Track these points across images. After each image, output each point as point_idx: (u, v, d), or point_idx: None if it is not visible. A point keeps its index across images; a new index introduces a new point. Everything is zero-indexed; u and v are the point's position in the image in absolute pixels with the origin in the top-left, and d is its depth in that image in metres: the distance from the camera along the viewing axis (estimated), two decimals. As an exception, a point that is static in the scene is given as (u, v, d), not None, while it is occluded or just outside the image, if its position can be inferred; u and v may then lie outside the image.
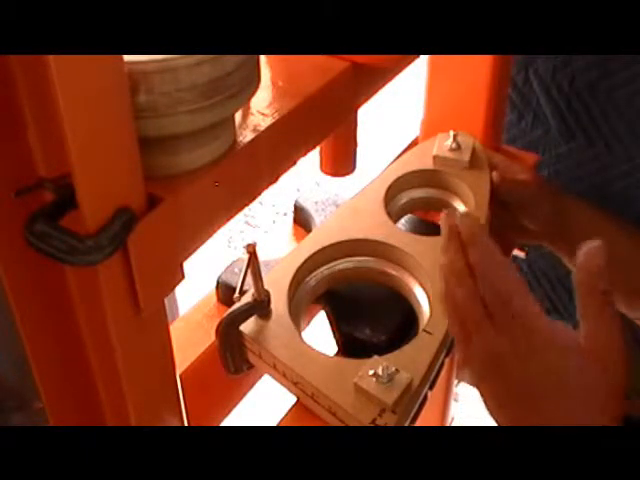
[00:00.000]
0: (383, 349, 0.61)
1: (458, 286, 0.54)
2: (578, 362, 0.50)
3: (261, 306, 0.63)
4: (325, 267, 0.71)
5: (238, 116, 0.54)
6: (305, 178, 2.00)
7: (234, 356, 0.64)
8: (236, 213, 0.55)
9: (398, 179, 0.79)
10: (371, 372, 0.58)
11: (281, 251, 0.76)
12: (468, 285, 0.54)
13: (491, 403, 0.53)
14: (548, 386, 0.51)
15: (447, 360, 0.66)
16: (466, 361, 0.54)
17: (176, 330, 0.72)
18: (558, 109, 1.02)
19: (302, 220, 0.89)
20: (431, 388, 0.63)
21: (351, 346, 0.69)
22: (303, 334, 0.65)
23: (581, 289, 0.52)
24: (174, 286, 0.50)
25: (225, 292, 0.76)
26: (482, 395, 0.54)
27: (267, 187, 0.58)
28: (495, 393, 0.53)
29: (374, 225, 0.73)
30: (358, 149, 0.78)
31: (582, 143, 1.02)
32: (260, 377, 0.73)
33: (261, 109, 0.55)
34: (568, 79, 0.98)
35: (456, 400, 1.36)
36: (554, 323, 0.53)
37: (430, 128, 0.91)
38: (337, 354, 0.69)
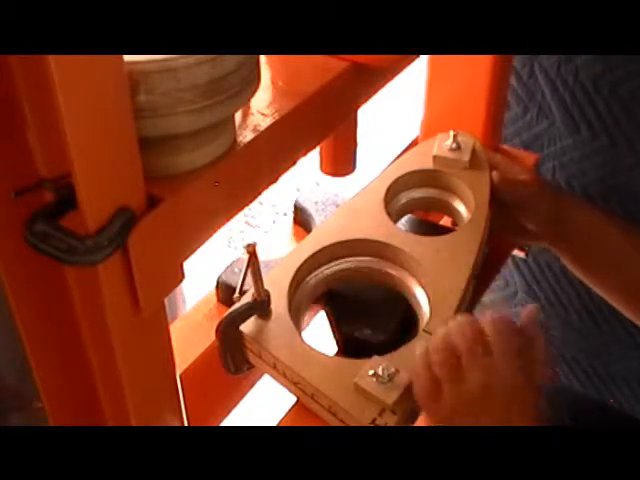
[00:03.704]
0: (383, 349, 0.61)
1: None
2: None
3: (261, 306, 0.63)
4: (325, 267, 0.71)
5: (238, 116, 0.54)
6: (305, 178, 2.00)
7: (234, 356, 0.64)
8: (236, 213, 0.55)
9: (398, 179, 0.79)
10: (371, 372, 0.58)
11: (281, 251, 0.76)
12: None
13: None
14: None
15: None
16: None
17: (176, 330, 0.72)
18: (563, 102, 1.02)
19: (302, 220, 0.89)
20: (431, 388, 0.62)
21: (351, 346, 0.69)
22: (303, 334, 0.65)
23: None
24: (174, 286, 0.50)
25: (225, 292, 0.76)
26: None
27: (267, 187, 0.58)
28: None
29: (374, 225, 0.73)
30: (358, 149, 0.78)
31: (586, 136, 1.02)
32: (260, 377, 0.73)
33: (261, 109, 0.55)
34: (572, 73, 0.98)
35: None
36: None
37: (430, 128, 0.91)
38: (337, 354, 0.69)
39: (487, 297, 1.30)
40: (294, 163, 0.60)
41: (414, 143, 0.95)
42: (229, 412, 0.76)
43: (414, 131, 0.97)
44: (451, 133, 0.80)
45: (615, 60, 0.94)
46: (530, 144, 1.08)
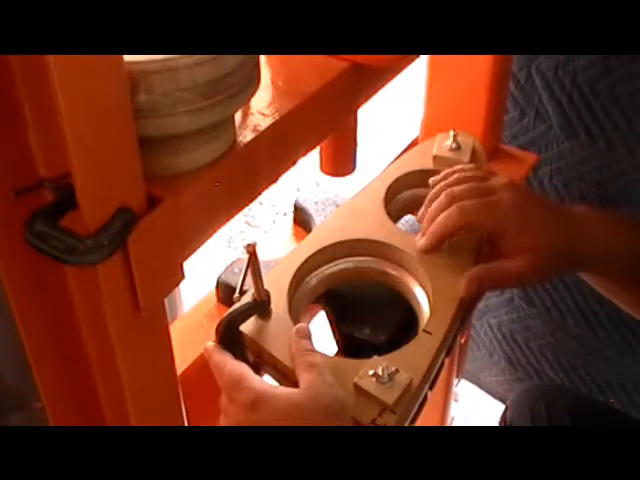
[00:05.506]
0: (383, 349, 0.61)
1: None
2: (302, 413, 0.54)
3: (261, 306, 0.63)
4: (325, 267, 0.71)
5: (238, 116, 0.54)
6: (305, 178, 2.00)
7: (234, 356, 0.64)
8: (236, 213, 0.55)
9: (398, 179, 0.79)
10: (371, 372, 0.58)
11: (281, 251, 0.76)
12: None
13: None
14: None
15: (447, 360, 0.66)
16: None
17: (176, 330, 0.72)
18: (560, 106, 1.02)
19: (302, 220, 0.89)
20: (431, 388, 0.62)
21: (351, 346, 0.69)
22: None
23: (292, 350, 0.59)
24: (174, 286, 0.50)
25: (225, 292, 0.76)
26: None
27: (267, 187, 0.58)
28: None
29: (374, 225, 0.73)
30: (358, 149, 0.78)
31: (584, 140, 1.02)
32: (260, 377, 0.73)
33: (261, 109, 0.55)
34: (570, 76, 0.98)
35: (456, 400, 1.36)
36: (275, 389, 0.56)
37: (430, 128, 0.91)
38: (337, 354, 0.69)
39: (483, 303, 1.30)
40: (294, 163, 0.60)
41: (414, 143, 0.95)
42: (229, 412, 0.76)
43: (414, 131, 0.97)
44: (451, 133, 0.80)
45: (613, 62, 0.94)
46: (527, 148, 1.08)
